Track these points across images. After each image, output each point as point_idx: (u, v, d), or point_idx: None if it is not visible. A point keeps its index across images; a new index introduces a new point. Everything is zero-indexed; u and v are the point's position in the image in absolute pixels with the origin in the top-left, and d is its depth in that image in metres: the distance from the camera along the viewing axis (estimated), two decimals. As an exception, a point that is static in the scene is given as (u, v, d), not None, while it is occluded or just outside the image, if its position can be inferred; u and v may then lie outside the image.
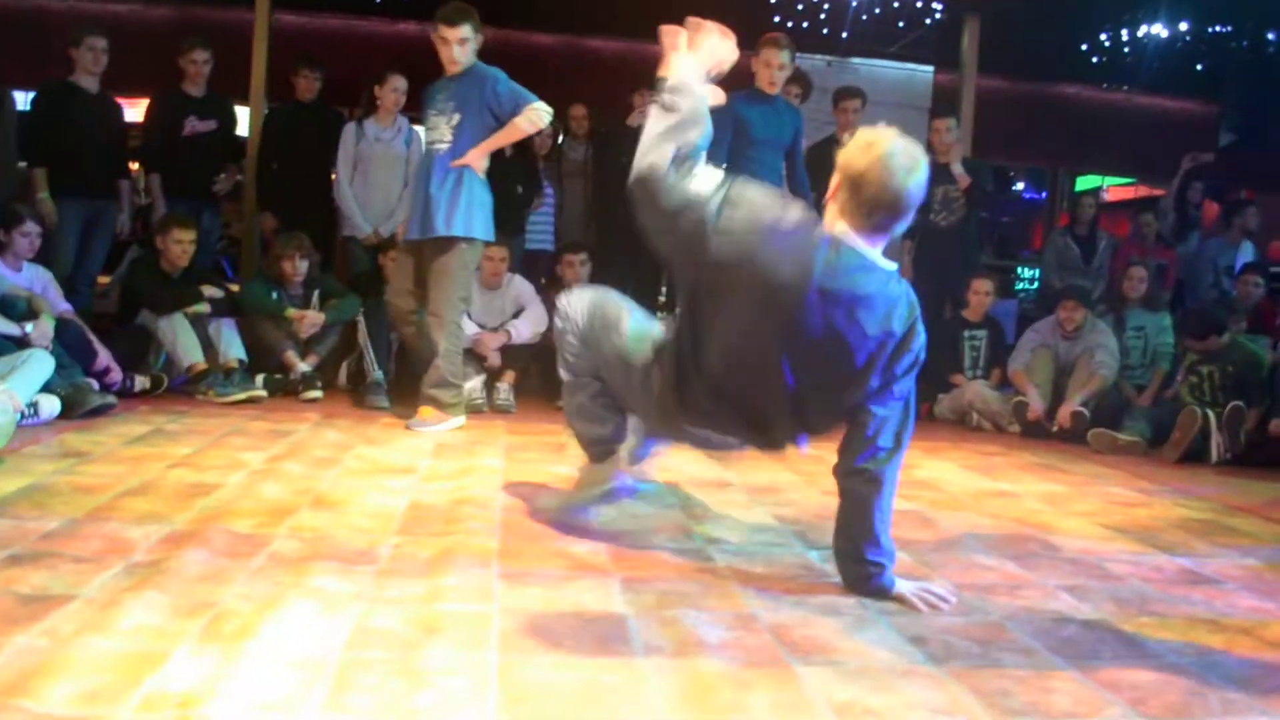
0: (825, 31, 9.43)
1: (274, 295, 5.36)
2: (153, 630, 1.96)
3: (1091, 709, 1.87)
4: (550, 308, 5.40)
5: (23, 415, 3.73)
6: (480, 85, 4.52)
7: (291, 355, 5.22)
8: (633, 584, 2.44)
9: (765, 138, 5.17)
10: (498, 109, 4.51)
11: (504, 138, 4.60)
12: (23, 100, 6.29)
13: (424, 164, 4.68)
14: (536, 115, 4.53)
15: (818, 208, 2.54)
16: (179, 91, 5.99)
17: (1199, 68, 10.55)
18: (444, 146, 4.54)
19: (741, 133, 5.09)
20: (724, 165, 4.95)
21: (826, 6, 9.47)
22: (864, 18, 8.85)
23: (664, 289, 9.43)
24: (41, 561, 2.31)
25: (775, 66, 5.11)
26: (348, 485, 3.31)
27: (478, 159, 4.53)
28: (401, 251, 4.84)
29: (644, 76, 6.34)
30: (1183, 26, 9.81)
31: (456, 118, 4.53)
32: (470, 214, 4.54)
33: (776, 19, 9.31)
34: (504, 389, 5.19)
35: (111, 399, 4.35)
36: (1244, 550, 3.20)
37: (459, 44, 4.53)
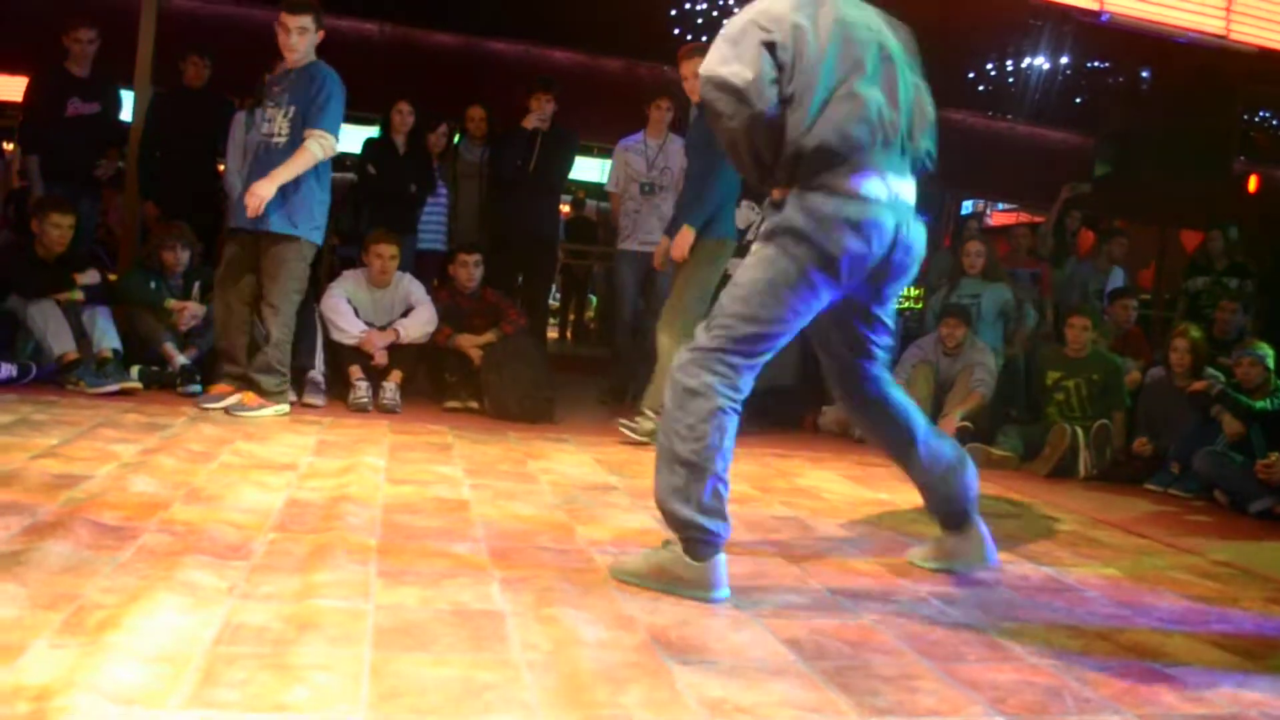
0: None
1: (153, 285, 5.20)
2: (9, 622, 1.88)
3: (954, 707, 1.93)
4: (440, 308, 5.37)
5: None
6: (309, 85, 4.56)
7: (170, 347, 5.06)
8: (512, 583, 2.44)
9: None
10: (308, 117, 4.53)
11: (297, 167, 4.50)
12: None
13: (261, 155, 4.61)
14: (328, 144, 4.54)
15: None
16: (62, 71, 5.77)
17: (1077, 100, 11.01)
18: (282, 141, 4.55)
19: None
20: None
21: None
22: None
23: (557, 293, 9.37)
24: (-110, 551, 2.21)
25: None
26: (224, 480, 3.23)
27: (269, 190, 4.43)
28: (233, 240, 4.76)
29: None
30: (1063, 61, 10.24)
31: (293, 110, 4.55)
32: (311, 213, 4.59)
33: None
34: (390, 389, 5.10)
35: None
36: (1105, 560, 3.35)
37: (298, 33, 4.55)
